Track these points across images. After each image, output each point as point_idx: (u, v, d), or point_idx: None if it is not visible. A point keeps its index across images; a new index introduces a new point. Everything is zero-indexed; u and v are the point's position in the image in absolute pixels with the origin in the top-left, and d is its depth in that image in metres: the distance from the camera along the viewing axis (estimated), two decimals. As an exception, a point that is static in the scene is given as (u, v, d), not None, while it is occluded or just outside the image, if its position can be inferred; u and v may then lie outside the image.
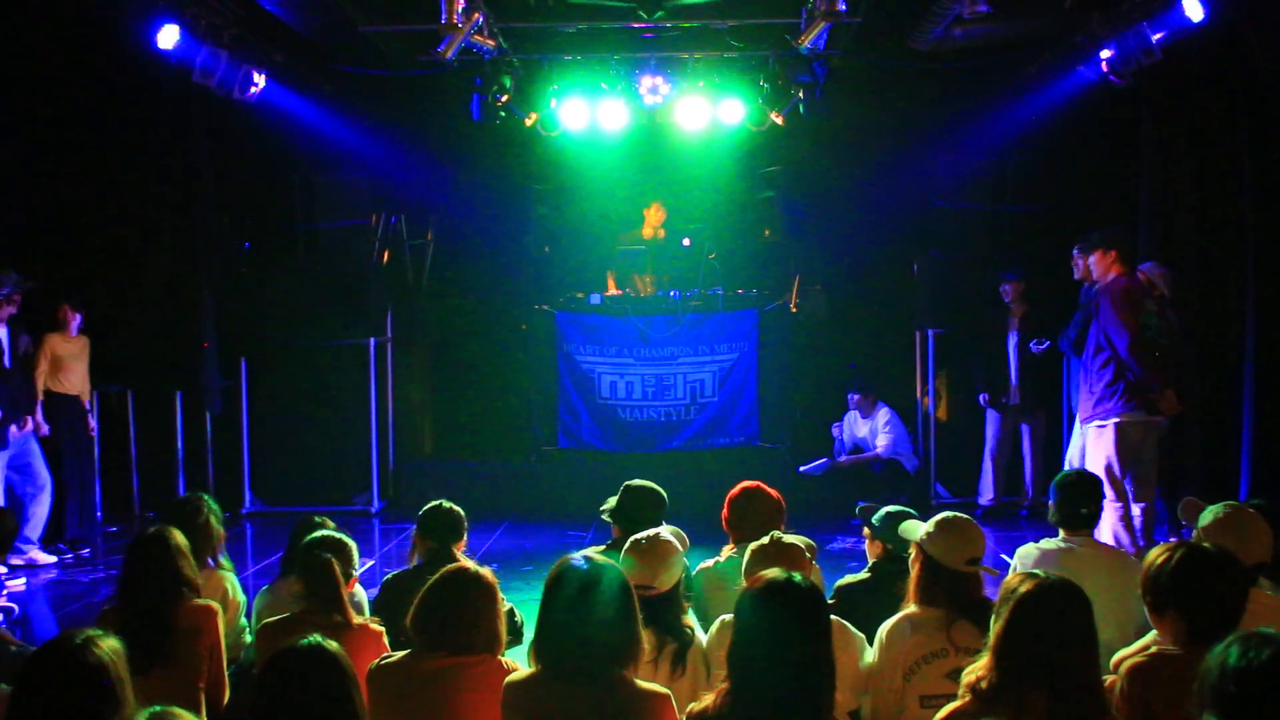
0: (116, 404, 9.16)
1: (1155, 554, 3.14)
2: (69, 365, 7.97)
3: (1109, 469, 6.15)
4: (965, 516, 3.66)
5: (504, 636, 3.29)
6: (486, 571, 3.34)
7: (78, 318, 8.01)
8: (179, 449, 9.23)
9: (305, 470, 9.59)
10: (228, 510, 9.03)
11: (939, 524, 3.58)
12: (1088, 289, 7.79)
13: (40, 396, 7.76)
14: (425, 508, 4.64)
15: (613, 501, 4.74)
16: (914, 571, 3.57)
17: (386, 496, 9.69)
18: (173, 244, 9.08)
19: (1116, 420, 6.20)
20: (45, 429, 7.67)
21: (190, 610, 3.77)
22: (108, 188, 8.78)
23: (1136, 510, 6.24)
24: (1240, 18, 6.95)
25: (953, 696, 3.03)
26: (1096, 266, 6.46)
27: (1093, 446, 6.31)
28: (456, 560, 4.18)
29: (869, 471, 9.19)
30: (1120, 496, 6.16)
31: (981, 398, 9.07)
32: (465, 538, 4.61)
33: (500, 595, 3.33)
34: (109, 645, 2.60)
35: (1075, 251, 6.95)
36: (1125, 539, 6.08)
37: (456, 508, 4.63)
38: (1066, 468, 7.95)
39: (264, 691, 2.57)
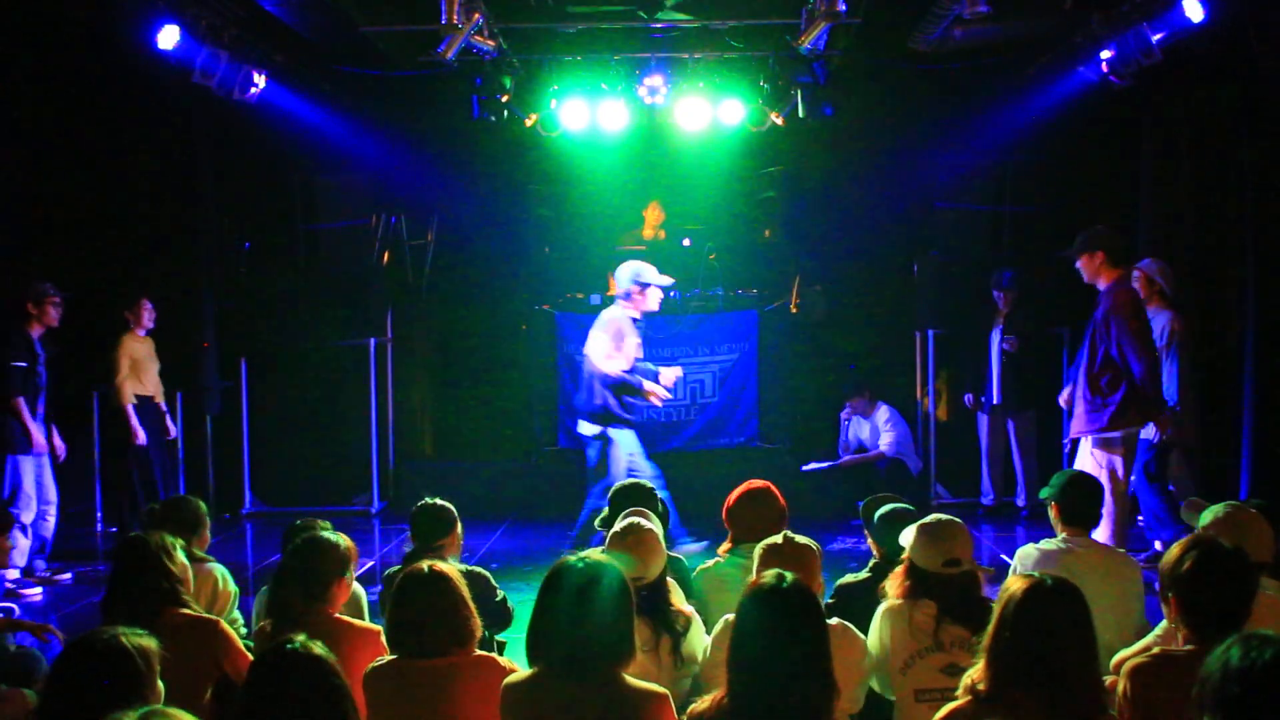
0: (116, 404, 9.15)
1: (1175, 545, 3.17)
2: (146, 365, 7.97)
3: (1114, 477, 6.14)
4: (948, 518, 3.71)
5: (476, 625, 3.28)
6: (444, 567, 3.34)
7: (153, 312, 7.98)
8: (179, 449, 9.22)
9: (305, 470, 9.60)
10: (227, 511, 9.18)
11: (919, 528, 3.67)
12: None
13: (129, 401, 7.77)
14: (415, 506, 4.64)
15: (605, 512, 4.75)
16: (900, 570, 3.67)
17: (386, 496, 9.69)
18: (173, 244, 9.08)
19: (1125, 433, 6.17)
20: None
21: (189, 624, 3.70)
22: (107, 188, 8.78)
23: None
24: (1240, 18, 6.94)
25: (948, 689, 3.06)
26: (1085, 271, 6.43)
27: (1098, 455, 6.29)
28: (443, 558, 4.18)
29: (873, 471, 9.19)
30: (1121, 504, 6.15)
31: (966, 399, 9.09)
32: (457, 531, 4.58)
33: (462, 585, 3.30)
34: (139, 641, 2.67)
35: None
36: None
37: (445, 504, 4.61)
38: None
39: (250, 692, 2.58)
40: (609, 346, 7.24)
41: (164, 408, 8.21)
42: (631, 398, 7.24)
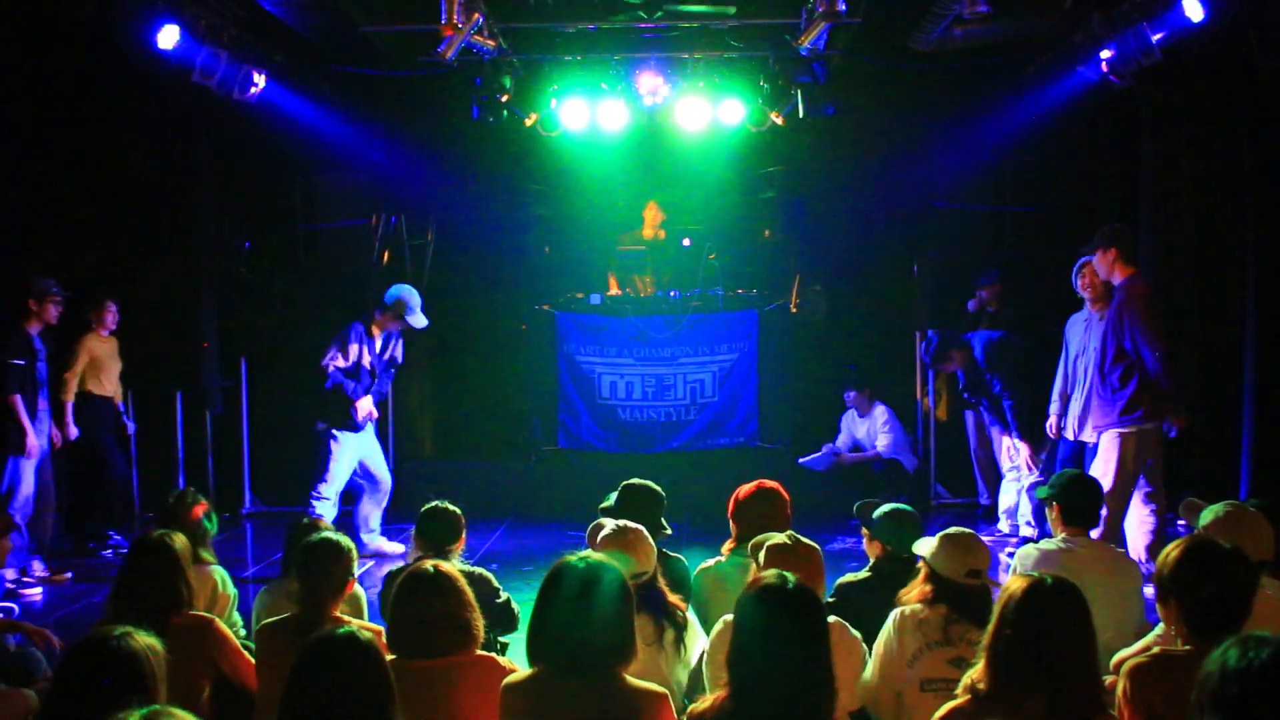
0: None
1: (1170, 546, 3.16)
2: (107, 366, 7.96)
3: (1123, 475, 6.13)
4: (969, 531, 3.74)
5: (479, 626, 3.29)
6: (446, 567, 3.35)
7: (116, 313, 7.98)
8: (179, 449, 9.22)
9: (305, 470, 9.57)
10: (227, 511, 9.17)
11: (942, 538, 3.67)
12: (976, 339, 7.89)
13: (71, 398, 7.71)
14: (424, 509, 4.66)
15: (612, 498, 4.74)
16: (919, 577, 3.67)
17: (386, 496, 9.67)
18: (173, 244, 9.08)
19: (1138, 429, 6.17)
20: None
21: (185, 624, 3.70)
22: (107, 188, 8.78)
23: (1147, 511, 6.24)
24: (1240, 18, 6.94)
25: (953, 680, 3.08)
26: (1100, 268, 6.44)
27: (1108, 452, 6.27)
28: (450, 561, 4.20)
29: (869, 471, 9.19)
30: (1120, 503, 6.14)
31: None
32: (464, 537, 4.62)
33: (464, 585, 3.31)
34: (144, 640, 2.67)
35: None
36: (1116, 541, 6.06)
37: (454, 508, 4.64)
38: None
39: (300, 680, 2.59)
40: (335, 352, 7.45)
41: (121, 407, 8.18)
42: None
